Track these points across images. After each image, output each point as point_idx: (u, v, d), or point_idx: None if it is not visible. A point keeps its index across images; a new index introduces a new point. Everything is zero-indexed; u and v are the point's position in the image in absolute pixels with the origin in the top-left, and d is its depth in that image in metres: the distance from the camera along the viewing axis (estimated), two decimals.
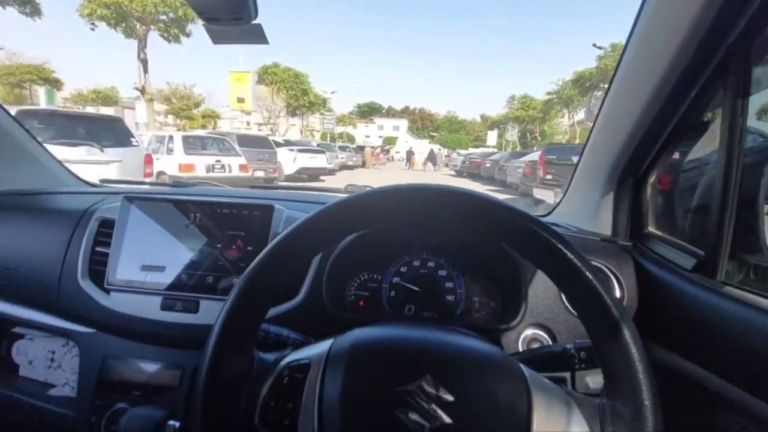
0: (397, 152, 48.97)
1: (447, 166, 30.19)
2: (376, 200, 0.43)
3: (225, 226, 0.78)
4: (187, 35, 16.03)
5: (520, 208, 0.41)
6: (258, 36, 0.64)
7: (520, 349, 0.74)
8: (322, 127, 33.37)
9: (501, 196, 10.93)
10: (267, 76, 29.29)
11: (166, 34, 15.33)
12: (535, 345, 0.74)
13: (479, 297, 0.83)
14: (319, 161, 13.23)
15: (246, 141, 9.80)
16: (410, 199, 0.42)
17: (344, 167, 20.30)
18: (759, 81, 0.61)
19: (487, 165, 16.52)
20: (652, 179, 0.85)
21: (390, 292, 0.83)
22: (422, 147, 36.74)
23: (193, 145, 7.56)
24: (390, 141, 63.18)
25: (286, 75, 29.94)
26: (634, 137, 0.77)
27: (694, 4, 0.54)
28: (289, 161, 12.48)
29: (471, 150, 39.46)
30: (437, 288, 0.82)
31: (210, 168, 7.50)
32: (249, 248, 0.77)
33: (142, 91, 15.75)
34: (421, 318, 0.80)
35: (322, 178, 13.93)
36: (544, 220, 0.93)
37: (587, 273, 0.38)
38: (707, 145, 0.75)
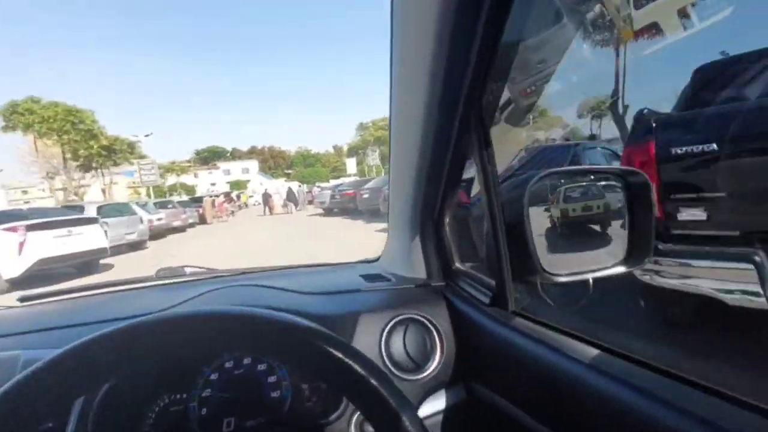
0: (250, 196, 42.85)
1: (311, 203, 26.29)
2: (122, 341, 0.35)
3: None
4: None
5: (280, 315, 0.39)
6: None
7: None
8: (140, 180, 25.13)
9: None
10: (17, 116, 19.83)
11: None
12: (369, 429, 0.69)
13: (308, 383, 0.72)
14: (86, 241, 7.35)
15: None
16: (165, 334, 0.37)
17: (168, 230, 14.11)
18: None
19: (365, 196, 13.10)
20: (447, 219, 0.88)
21: (201, 410, 0.66)
22: (279, 187, 32.12)
23: None
24: (239, 185, 56.16)
25: (52, 112, 20.53)
26: (419, 185, 0.82)
27: (424, 73, 0.61)
28: (8, 255, 6.34)
29: (334, 182, 36.76)
30: (259, 387, 0.69)
31: None
32: None
33: None
34: (245, 430, 0.66)
35: (105, 262, 8.06)
36: (370, 267, 1.11)
37: (359, 369, 0.37)
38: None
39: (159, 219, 13.09)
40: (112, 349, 0.35)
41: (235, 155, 78.64)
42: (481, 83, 0.61)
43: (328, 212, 16.85)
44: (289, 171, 70.85)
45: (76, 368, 0.34)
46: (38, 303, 0.92)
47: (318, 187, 30.46)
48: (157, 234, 12.82)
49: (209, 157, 72.93)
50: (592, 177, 0.82)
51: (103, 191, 26.89)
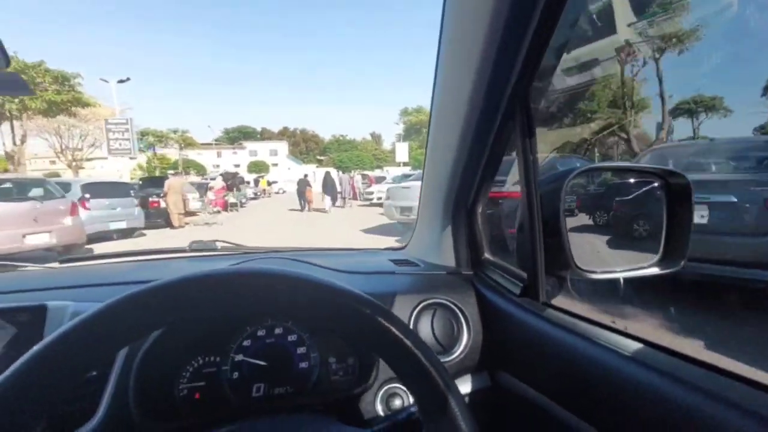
0: (274, 182, 34.31)
1: (355, 198, 17.28)
2: (174, 292, 0.37)
3: None
4: None
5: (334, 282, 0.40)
6: (15, 86, 0.54)
7: (380, 409, 0.72)
8: (107, 148, 16.86)
9: None
10: None
11: None
12: (396, 402, 0.72)
13: (336, 356, 0.73)
14: None
15: None
16: (216, 289, 0.38)
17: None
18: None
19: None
20: (480, 209, 0.88)
21: (233, 374, 0.68)
22: (311, 174, 23.06)
23: None
24: (259, 167, 47.93)
25: None
26: (456, 173, 0.83)
27: (474, 56, 0.60)
28: None
29: (379, 172, 27.63)
30: (288, 357, 0.71)
31: None
32: None
33: None
34: (273, 397, 0.68)
35: None
36: (398, 253, 1.12)
37: (410, 344, 0.39)
38: (515, 176, 0.78)
39: None
40: (177, 294, 0.36)
41: (265, 136, 71.48)
42: (531, 68, 0.59)
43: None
44: (322, 157, 62.58)
45: (136, 312, 0.34)
46: (77, 265, 0.96)
47: (362, 176, 21.52)
48: None
49: (238, 137, 66.06)
50: (631, 175, 0.82)
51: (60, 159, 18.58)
